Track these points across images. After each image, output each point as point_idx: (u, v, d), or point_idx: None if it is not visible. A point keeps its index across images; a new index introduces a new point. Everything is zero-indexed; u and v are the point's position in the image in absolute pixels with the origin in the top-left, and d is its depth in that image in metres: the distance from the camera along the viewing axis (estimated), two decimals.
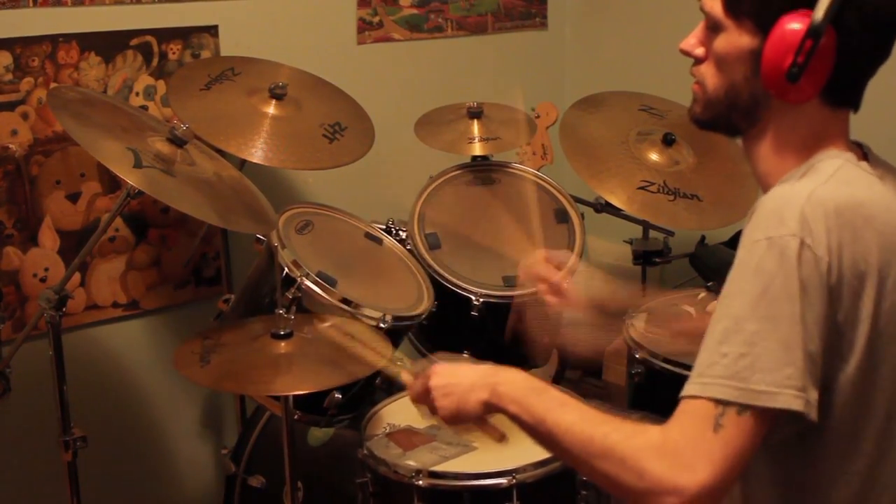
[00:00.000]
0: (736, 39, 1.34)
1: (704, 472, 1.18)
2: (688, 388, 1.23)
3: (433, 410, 1.49)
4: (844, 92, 1.34)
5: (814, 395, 1.21)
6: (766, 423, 1.20)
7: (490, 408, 1.42)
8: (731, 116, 1.39)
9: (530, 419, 1.34)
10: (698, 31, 1.42)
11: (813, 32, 1.25)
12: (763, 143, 1.38)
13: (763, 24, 1.31)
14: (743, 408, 1.19)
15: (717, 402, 1.20)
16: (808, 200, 1.23)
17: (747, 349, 1.20)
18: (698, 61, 1.42)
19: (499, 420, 1.47)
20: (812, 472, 1.30)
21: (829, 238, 1.22)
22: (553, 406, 1.33)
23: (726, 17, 1.35)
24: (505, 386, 1.39)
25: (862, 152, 1.39)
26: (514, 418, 1.37)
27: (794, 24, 1.27)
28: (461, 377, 1.46)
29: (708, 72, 1.40)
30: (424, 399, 1.50)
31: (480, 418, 1.47)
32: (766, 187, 1.39)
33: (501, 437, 1.52)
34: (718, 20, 1.36)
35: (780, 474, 1.33)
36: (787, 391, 1.19)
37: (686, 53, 1.43)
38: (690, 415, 1.22)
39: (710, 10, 1.37)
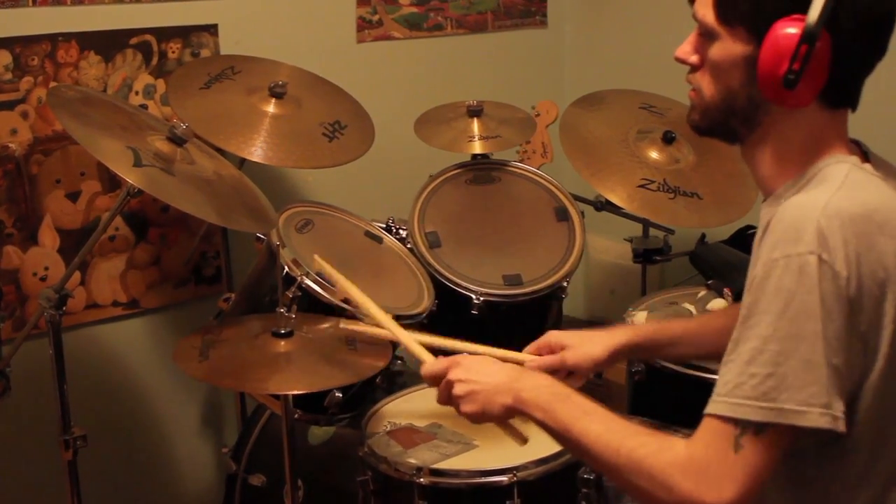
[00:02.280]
0: (730, 47, 1.33)
1: (730, 490, 1.21)
2: (715, 407, 1.24)
3: (457, 410, 1.50)
4: (843, 93, 1.34)
5: (840, 407, 1.21)
6: (786, 440, 1.22)
7: (514, 412, 1.42)
8: (729, 122, 1.39)
9: (556, 426, 1.36)
10: (692, 37, 1.41)
11: (808, 37, 1.25)
12: (763, 148, 1.38)
13: (756, 30, 1.30)
14: (761, 427, 1.20)
15: (738, 422, 1.22)
16: (824, 213, 1.23)
17: (773, 369, 1.21)
18: (694, 68, 1.41)
19: (520, 422, 1.48)
20: (833, 477, 1.30)
21: (847, 250, 1.22)
22: (579, 414, 1.34)
23: (719, 25, 1.34)
24: (529, 392, 1.40)
25: (861, 152, 1.39)
26: (540, 424, 1.39)
27: (788, 30, 1.26)
28: (485, 379, 1.46)
29: (704, 79, 1.39)
30: (446, 398, 1.51)
31: (503, 420, 1.48)
32: (766, 191, 1.39)
33: (523, 441, 1.53)
34: (711, 28, 1.35)
35: (799, 480, 1.33)
36: (814, 409, 1.20)
37: (681, 61, 1.42)
38: (714, 434, 1.24)
39: (702, 19, 1.36)
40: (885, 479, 1.30)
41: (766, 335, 1.22)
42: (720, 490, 1.21)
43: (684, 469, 1.24)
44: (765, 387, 1.21)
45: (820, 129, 1.34)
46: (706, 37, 1.37)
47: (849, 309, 1.22)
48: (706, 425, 1.25)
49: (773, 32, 1.27)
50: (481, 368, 1.49)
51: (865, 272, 1.23)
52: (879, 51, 1.32)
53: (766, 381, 1.21)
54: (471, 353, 1.63)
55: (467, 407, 1.47)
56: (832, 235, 1.22)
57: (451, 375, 1.49)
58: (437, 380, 1.53)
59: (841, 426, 1.21)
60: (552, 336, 1.81)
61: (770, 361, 1.21)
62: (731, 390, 1.23)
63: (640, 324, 1.95)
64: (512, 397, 1.41)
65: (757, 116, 1.36)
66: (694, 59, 1.40)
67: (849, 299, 1.21)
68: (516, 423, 1.51)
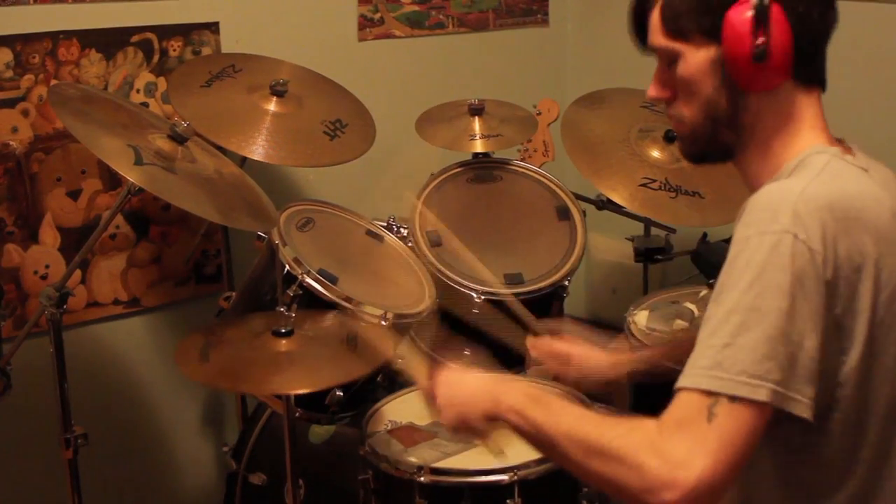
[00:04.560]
0: (693, 58, 1.37)
1: (701, 464, 1.16)
2: (679, 380, 1.23)
3: (441, 420, 1.51)
4: (810, 66, 1.36)
5: (807, 391, 1.20)
6: (761, 417, 1.19)
7: (491, 418, 1.42)
8: (718, 136, 1.41)
9: (529, 427, 1.34)
10: (657, 74, 1.45)
11: (759, 9, 1.29)
12: (750, 148, 1.40)
13: (712, 29, 1.34)
14: (732, 397, 1.18)
15: (707, 392, 1.19)
16: (801, 197, 1.24)
17: (731, 340, 1.20)
18: (669, 101, 1.44)
19: (500, 435, 1.48)
20: (818, 467, 1.30)
21: (825, 232, 1.22)
22: (551, 412, 1.33)
23: (675, 42, 1.38)
24: (505, 396, 1.39)
25: (846, 147, 1.40)
26: (515, 427, 1.38)
27: (741, 14, 1.31)
28: (464, 387, 1.47)
29: (681, 105, 1.42)
30: (432, 404, 1.53)
31: (482, 430, 1.48)
32: (756, 186, 1.40)
33: (500, 452, 1.54)
34: (670, 49, 1.39)
35: (784, 471, 1.33)
36: (767, 385, 1.18)
37: (655, 100, 1.46)
38: (684, 406, 1.21)
39: (659, 46, 1.41)
40: (869, 466, 1.30)
41: (729, 308, 1.21)
42: (691, 464, 1.16)
43: (654, 447, 1.19)
44: (720, 356, 1.20)
45: (797, 112, 1.37)
46: (669, 64, 1.41)
47: (825, 291, 1.22)
48: (675, 400, 1.23)
49: (728, 22, 1.32)
50: (462, 378, 1.50)
51: (842, 256, 1.23)
52: (831, 17, 1.36)
53: (723, 351, 1.20)
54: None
55: (447, 413, 1.48)
56: (809, 217, 1.22)
57: (436, 386, 1.51)
58: (430, 394, 1.54)
59: (802, 410, 1.20)
60: (560, 344, 1.85)
61: (729, 333, 1.20)
62: (694, 362, 1.22)
63: (648, 347, 1.97)
64: (490, 402, 1.41)
65: (739, 117, 1.38)
66: (666, 92, 1.44)
67: (825, 281, 1.22)
68: (497, 437, 1.51)
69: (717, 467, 1.17)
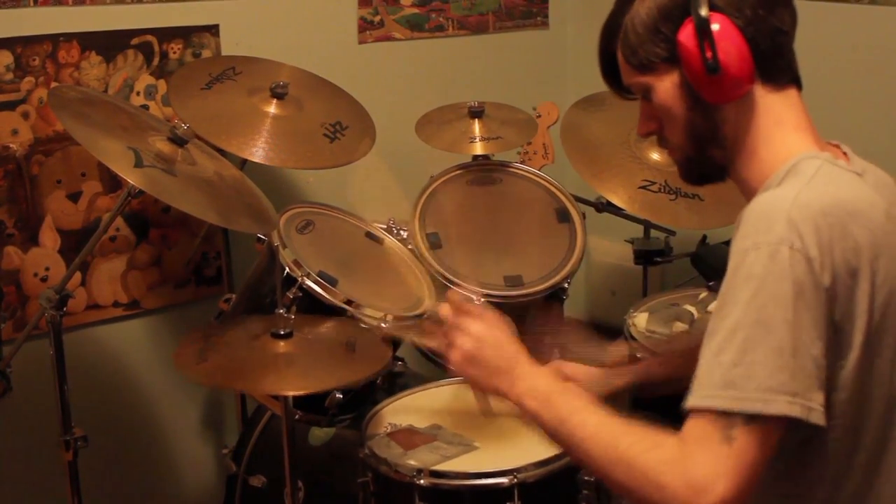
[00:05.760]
0: (662, 85, 1.39)
1: (722, 486, 1.19)
2: (690, 400, 1.24)
3: (446, 355, 1.49)
4: (775, 65, 1.37)
5: (819, 399, 1.21)
6: (777, 431, 1.21)
7: (507, 396, 1.42)
8: (708, 155, 1.42)
9: (551, 417, 1.35)
10: (640, 111, 1.47)
11: (699, 23, 1.30)
12: (737, 157, 1.41)
13: (670, 55, 1.36)
14: (749, 417, 1.19)
15: (722, 413, 1.20)
16: (794, 204, 1.25)
17: (739, 357, 1.21)
18: (658, 133, 1.46)
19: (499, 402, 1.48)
20: (815, 469, 1.31)
21: (820, 238, 1.23)
22: (575, 409, 1.34)
23: (643, 75, 1.41)
24: (528, 381, 1.40)
25: (840, 151, 1.41)
26: (533, 415, 1.38)
27: (688, 33, 1.33)
28: (493, 353, 1.45)
29: (668, 134, 1.44)
30: (445, 341, 1.50)
31: (488, 393, 1.48)
32: (752, 194, 1.40)
33: (487, 412, 1.53)
34: (642, 84, 1.42)
35: (781, 473, 1.33)
36: (782, 397, 1.19)
37: (645, 135, 1.49)
38: (701, 428, 1.22)
39: (632, 83, 1.44)
40: (865, 470, 1.31)
41: (734, 324, 1.22)
42: (712, 486, 1.18)
43: (676, 467, 1.21)
44: (731, 375, 1.20)
45: (776, 114, 1.37)
46: (647, 98, 1.43)
47: (825, 297, 1.22)
48: (691, 421, 1.24)
49: (680, 44, 1.34)
50: (496, 340, 1.46)
51: (839, 261, 1.23)
52: (783, 10, 1.36)
53: (733, 370, 1.20)
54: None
55: (466, 368, 1.46)
56: (803, 225, 1.23)
57: (466, 325, 1.48)
58: (454, 314, 1.50)
59: (817, 417, 1.21)
60: (556, 365, 1.84)
61: (737, 349, 1.21)
62: (703, 381, 1.23)
63: (649, 359, 1.97)
64: (509, 384, 1.41)
65: (720, 130, 1.39)
66: (652, 125, 1.46)
67: (824, 288, 1.22)
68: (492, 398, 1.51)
69: (738, 488, 1.19)
